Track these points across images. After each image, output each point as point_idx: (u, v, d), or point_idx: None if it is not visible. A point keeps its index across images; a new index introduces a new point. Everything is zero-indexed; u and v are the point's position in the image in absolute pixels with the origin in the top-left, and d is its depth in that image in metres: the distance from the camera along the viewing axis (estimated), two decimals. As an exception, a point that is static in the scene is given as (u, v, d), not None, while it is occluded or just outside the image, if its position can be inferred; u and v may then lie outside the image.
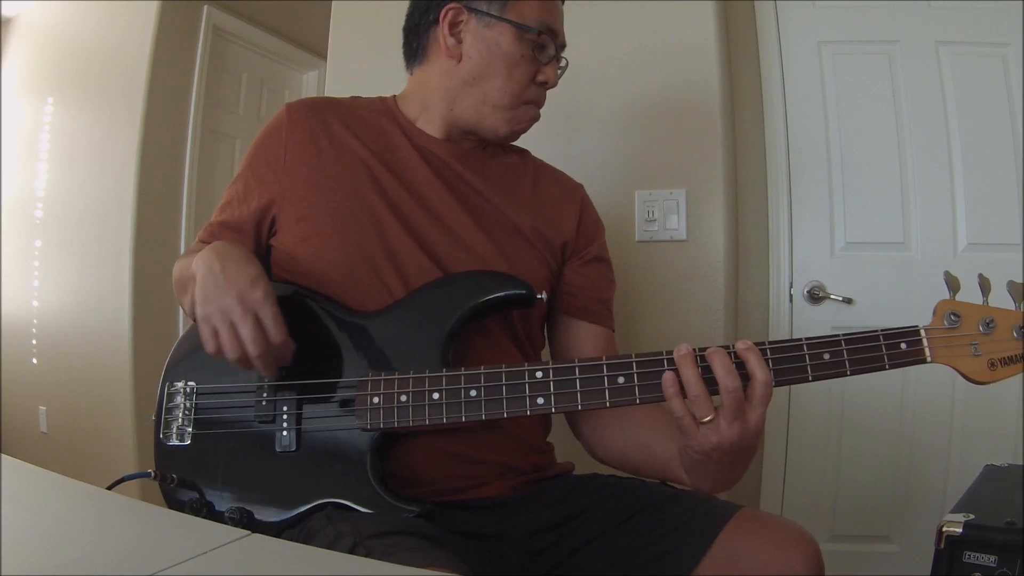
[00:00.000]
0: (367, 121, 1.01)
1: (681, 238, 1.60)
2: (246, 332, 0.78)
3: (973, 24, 1.71)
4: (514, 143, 1.10)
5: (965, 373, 0.77)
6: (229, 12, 2.99)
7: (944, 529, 0.84)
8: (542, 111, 1.03)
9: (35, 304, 3.04)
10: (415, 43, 1.03)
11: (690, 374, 0.74)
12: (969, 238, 1.70)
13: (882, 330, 0.76)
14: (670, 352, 0.78)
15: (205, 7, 2.86)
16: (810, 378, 0.76)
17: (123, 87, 2.73)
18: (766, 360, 0.75)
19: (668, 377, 0.75)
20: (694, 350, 0.75)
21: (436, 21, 0.98)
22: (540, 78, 0.98)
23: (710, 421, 0.74)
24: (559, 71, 1.03)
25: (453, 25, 0.98)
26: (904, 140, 1.74)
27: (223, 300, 0.79)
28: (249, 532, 0.59)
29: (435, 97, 1.00)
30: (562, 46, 1.01)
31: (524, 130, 1.02)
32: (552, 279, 1.04)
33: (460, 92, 0.98)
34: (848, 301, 1.74)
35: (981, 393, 1.81)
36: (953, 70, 1.72)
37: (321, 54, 2.42)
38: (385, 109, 1.04)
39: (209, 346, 0.81)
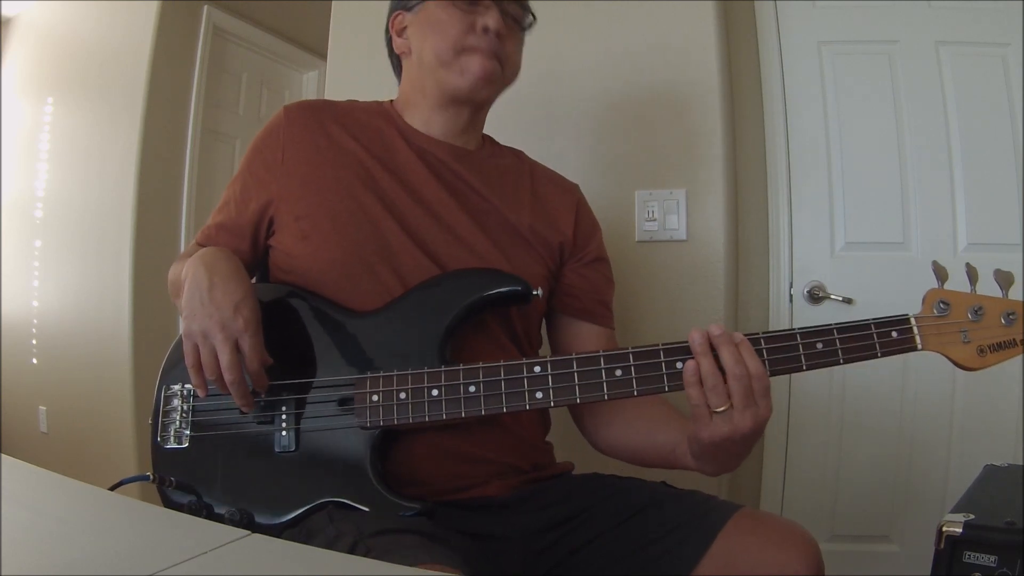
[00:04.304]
0: (364, 123, 1.02)
1: (681, 238, 1.60)
2: (224, 359, 0.81)
3: (973, 24, 1.71)
4: (512, 147, 1.12)
5: (955, 360, 0.78)
6: (229, 12, 2.99)
7: (944, 529, 0.84)
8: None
9: (35, 304, 3.04)
10: (392, 60, 1.11)
11: (708, 364, 0.76)
12: (969, 238, 1.70)
13: (873, 319, 0.78)
14: (666, 344, 0.80)
15: (205, 7, 2.86)
16: (804, 367, 0.78)
17: (123, 87, 2.73)
18: (760, 350, 0.77)
19: (690, 366, 0.77)
20: (708, 337, 0.77)
21: (391, 35, 1.06)
22: (479, 25, 0.97)
23: (724, 411, 0.75)
24: (524, 25, 1.04)
25: (400, 31, 1.05)
26: (904, 140, 1.74)
27: (205, 323, 0.82)
28: (249, 532, 0.59)
29: (412, 93, 1.04)
30: None
31: (480, 77, 0.97)
32: (550, 278, 1.05)
33: (421, 75, 1.02)
34: (848, 301, 1.73)
35: (981, 393, 1.80)
36: (953, 70, 1.72)
37: (321, 54, 2.42)
38: (382, 112, 1.05)
39: (188, 360, 0.83)
